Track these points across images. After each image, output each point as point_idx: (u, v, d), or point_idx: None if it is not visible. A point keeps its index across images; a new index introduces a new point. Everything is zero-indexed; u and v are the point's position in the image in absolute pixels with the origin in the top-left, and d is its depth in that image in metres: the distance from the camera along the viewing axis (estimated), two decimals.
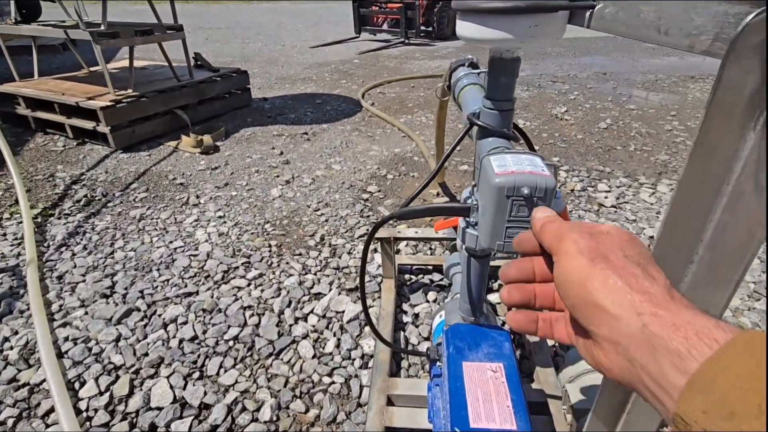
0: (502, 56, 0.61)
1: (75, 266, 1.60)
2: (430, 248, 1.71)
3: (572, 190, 2.18)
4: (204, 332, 1.30)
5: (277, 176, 2.35)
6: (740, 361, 0.21)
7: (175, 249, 1.70)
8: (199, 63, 3.56)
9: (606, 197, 2.10)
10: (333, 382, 1.14)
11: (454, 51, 6.61)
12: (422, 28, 7.55)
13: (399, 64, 5.57)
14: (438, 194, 2.17)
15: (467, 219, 0.66)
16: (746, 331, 0.22)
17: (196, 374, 1.16)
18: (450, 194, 2.17)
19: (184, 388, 1.12)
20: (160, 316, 1.36)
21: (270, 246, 1.73)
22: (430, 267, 1.57)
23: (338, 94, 4.05)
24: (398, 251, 1.69)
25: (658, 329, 0.24)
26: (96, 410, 1.06)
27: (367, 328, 1.32)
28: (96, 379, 1.14)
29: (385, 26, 7.89)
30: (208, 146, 2.65)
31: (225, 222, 1.90)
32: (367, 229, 1.84)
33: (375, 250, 1.66)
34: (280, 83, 4.50)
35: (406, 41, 7.36)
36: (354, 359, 1.21)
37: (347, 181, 2.30)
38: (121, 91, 2.76)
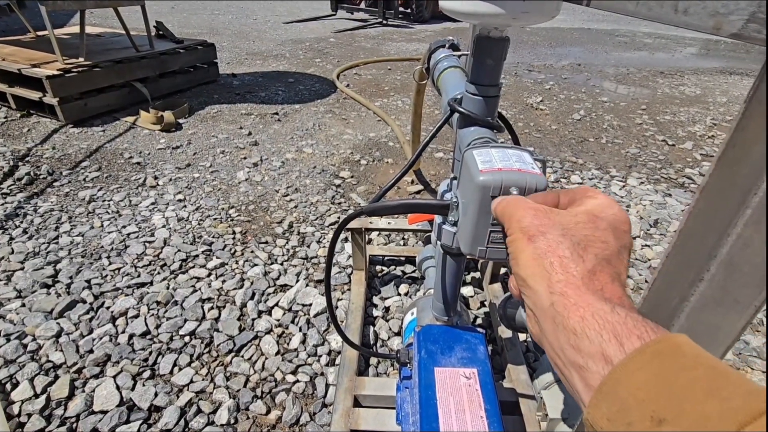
0: (489, 35, 0.55)
1: (12, 252, 1.45)
2: (403, 238, 1.66)
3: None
4: (157, 327, 1.20)
5: (245, 158, 2.22)
6: (643, 371, 0.21)
7: (129, 234, 1.57)
8: (161, 33, 3.31)
9: None
10: (297, 381, 1.07)
11: (432, 34, 6.49)
12: (401, 9, 7.36)
13: (376, 45, 5.42)
14: (413, 182, 2.11)
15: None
16: (661, 339, 0.22)
17: (147, 373, 1.07)
18: (425, 182, 2.11)
19: (133, 389, 1.03)
20: (108, 308, 1.25)
21: (234, 233, 1.63)
22: (403, 258, 1.52)
23: (312, 73, 3.88)
24: (370, 241, 1.62)
25: (561, 308, 0.26)
26: (30, 415, 0.96)
27: None
28: (31, 380, 1.02)
29: (362, 5, 7.64)
30: (170, 123, 2.47)
31: (185, 206, 1.77)
32: (339, 217, 1.76)
33: (345, 240, 1.59)
34: (250, 59, 4.28)
35: (384, 22, 7.17)
36: (320, 356, 1.14)
37: (319, 165, 2.20)
38: (72, 59, 2.52)
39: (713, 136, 2.95)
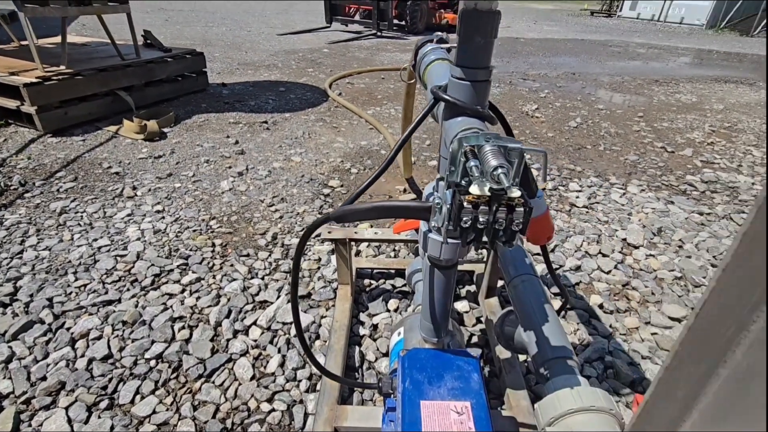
0: (476, 7, 0.46)
1: None
2: (394, 249, 1.56)
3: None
4: (121, 350, 1.09)
5: (230, 167, 2.13)
6: None
7: (99, 248, 1.47)
8: (148, 42, 3.25)
9: (577, 197, 2.02)
10: (273, 410, 0.96)
11: None
12: (395, 21, 7.39)
13: (370, 55, 5.39)
14: (405, 190, 2.02)
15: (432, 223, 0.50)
16: None
17: (105, 403, 0.95)
18: (418, 190, 2.02)
19: (87, 422, 0.91)
20: (68, 329, 1.14)
21: (213, 245, 1.52)
22: (393, 271, 1.42)
23: (304, 82, 3.82)
24: (358, 253, 1.52)
25: None
26: None
27: (318, 342, 1.15)
28: None
29: (357, 17, 7.67)
30: (153, 132, 2.39)
31: (163, 217, 1.67)
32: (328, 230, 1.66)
33: (331, 252, 1.49)
34: (242, 69, 4.22)
35: (378, 34, 7.17)
36: (300, 380, 1.04)
37: (307, 174, 2.11)
38: (53, 67, 2.44)
39: (712, 143, 2.89)
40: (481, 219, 0.38)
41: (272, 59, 4.78)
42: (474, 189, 0.37)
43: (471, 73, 0.49)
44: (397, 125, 2.85)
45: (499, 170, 0.36)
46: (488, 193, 0.37)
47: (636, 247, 1.65)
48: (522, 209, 0.37)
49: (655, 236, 1.73)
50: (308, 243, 1.57)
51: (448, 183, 0.42)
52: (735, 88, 4.65)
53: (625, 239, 1.69)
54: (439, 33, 0.99)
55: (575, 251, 1.61)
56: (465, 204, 0.37)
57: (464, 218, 0.38)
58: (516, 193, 0.36)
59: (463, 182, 0.41)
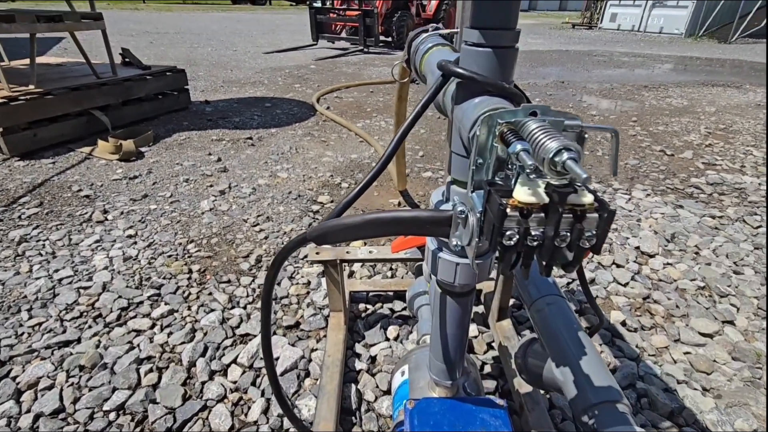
0: None
1: None
2: (391, 269, 1.42)
3: None
4: (75, 401, 0.92)
5: (211, 186, 1.98)
6: None
7: (60, 280, 1.30)
8: (127, 60, 3.13)
9: None
10: None
11: None
12: (381, 37, 7.39)
13: (357, 70, 5.34)
14: (399, 204, 1.90)
15: (442, 239, 0.37)
16: None
17: None
18: (413, 204, 1.90)
19: None
20: (14, 379, 0.97)
21: (190, 272, 1.37)
22: (391, 293, 1.28)
23: (291, 98, 3.72)
24: (351, 274, 1.38)
25: None
26: None
27: (308, 381, 0.99)
28: None
29: (343, 34, 7.67)
30: (129, 152, 2.24)
31: (135, 242, 1.52)
32: (315, 251, 1.52)
33: (321, 274, 1.35)
34: (226, 86, 4.11)
35: (365, 50, 7.16)
36: (287, 430, 0.88)
37: (295, 190, 1.97)
38: (21, 87, 2.30)
39: (711, 145, 2.82)
40: (533, 232, 0.25)
41: (258, 76, 4.69)
42: (521, 190, 0.24)
43: (493, 36, 0.37)
44: (387, 137, 2.75)
45: (565, 155, 0.23)
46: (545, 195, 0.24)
47: (651, 256, 1.53)
48: (596, 215, 0.25)
49: (669, 243, 1.62)
50: (296, 265, 1.43)
51: (475, 183, 0.30)
52: (723, 91, 4.65)
53: (638, 247, 1.57)
54: (434, 24, 0.88)
55: (587, 262, 1.48)
56: (509, 211, 0.25)
57: (508, 232, 0.25)
58: (587, 197, 0.24)
59: (497, 179, 0.29)
